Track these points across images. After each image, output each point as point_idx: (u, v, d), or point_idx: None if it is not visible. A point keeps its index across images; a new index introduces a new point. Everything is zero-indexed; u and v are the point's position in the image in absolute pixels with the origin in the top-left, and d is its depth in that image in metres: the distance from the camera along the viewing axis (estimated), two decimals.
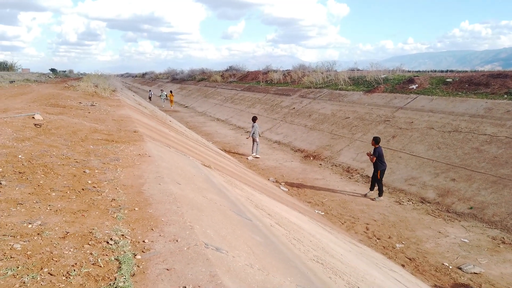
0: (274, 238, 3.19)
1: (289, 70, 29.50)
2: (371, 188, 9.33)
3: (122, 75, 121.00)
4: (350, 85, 18.92)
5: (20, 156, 3.64)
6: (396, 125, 12.76)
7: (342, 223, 7.60)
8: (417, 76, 16.48)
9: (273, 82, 27.46)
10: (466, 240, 6.72)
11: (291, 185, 10.12)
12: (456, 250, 6.38)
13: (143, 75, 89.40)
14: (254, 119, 13.73)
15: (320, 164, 12.34)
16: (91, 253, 1.88)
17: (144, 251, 1.97)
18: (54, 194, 2.75)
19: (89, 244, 1.99)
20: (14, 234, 2.03)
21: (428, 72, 20.97)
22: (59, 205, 2.53)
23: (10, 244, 1.90)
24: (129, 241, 2.06)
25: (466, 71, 19.50)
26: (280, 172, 11.49)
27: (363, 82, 18.42)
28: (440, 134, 10.99)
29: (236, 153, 14.07)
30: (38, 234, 2.05)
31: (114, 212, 2.49)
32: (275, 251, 2.78)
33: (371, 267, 4.46)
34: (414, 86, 15.10)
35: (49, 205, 2.51)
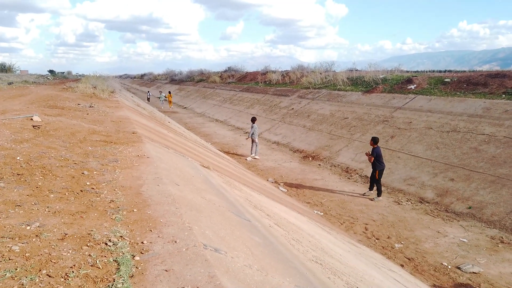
0: (273, 239, 3.19)
1: (288, 70, 29.52)
2: (370, 188, 9.35)
3: (120, 76, 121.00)
4: (349, 86, 18.95)
5: (18, 158, 3.64)
6: (395, 125, 12.78)
7: (341, 223, 7.61)
8: (416, 76, 16.52)
9: (271, 83, 27.49)
10: (465, 240, 6.73)
11: (290, 185, 10.13)
12: (455, 250, 6.39)
13: (142, 76, 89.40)
14: (253, 119, 13.74)
15: (319, 165, 12.35)
16: (89, 255, 1.88)
17: (142, 252, 1.97)
18: (52, 195, 2.75)
19: (87, 246, 1.99)
20: (13, 236, 2.02)
21: (426, 72, 21.00)
22: (57, 207, 2.53)
23: (8, 246, 1.90)
24: (128, 243, 2.06)
25: (464, 71, 19.54)
26: (279, 172, 11.50)
27: (362, 83, 18.45)
28: (438, 134, 11.01)
29: (235, 154, 14.07)
30: (37, 235, 2.05)
31: (112, 214, 2.48)
32: (274, 252, 2.78)
33: (370, 267, 4.47)
34: (412, 86, 15.13)
35: (48, 207, 2.51)
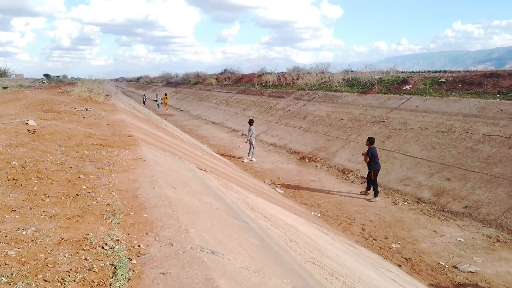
0: (270, 241, 3.19)
1: (284, 72, 29.60)
2: (368, 188, 9.39)
3: (116, 80, 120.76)
4: (345, 87, 19.01)
5: (14, 163, 3.62)
6: (391, 126, 12.83)
7: (338, 224, 7.62)
8: (411, 76, 16.60)
9: (268, 85, 27.53)
10: (461, 239, 6.76)
11: (287, 187, 10.13)
12: (452, 249, 6.42)
13: (138, 79, 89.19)
14: (251, 121, 13.73)
15: (316, 166, 12.37)
16: (86, 259, 1.88)
17: (139, 255, 1.96)
18: (48, 200, 2.74)
19: (84, 250, 1.98)
20: (8, 241, 2.02)
21: (421, 72, 21.13)
22: (53, 211, 2.52)
23: (4, 251, 1.89)
24: (124, 246, 2.06)
25: (459, 71, 19.68)
26: (276, 174, 11.50)
27: (358, 84, 18.51)
28: (434, 134, 11.07)
29: (232, 156, 14.06)
30: (33, 240, 2.05)
31: (109, 217, 2.48)
32: (271, 254, 2.78)
33: (368, 268, 4.48)
34: (408, 87, 15.21)
35: (44, 211, 2.50)
